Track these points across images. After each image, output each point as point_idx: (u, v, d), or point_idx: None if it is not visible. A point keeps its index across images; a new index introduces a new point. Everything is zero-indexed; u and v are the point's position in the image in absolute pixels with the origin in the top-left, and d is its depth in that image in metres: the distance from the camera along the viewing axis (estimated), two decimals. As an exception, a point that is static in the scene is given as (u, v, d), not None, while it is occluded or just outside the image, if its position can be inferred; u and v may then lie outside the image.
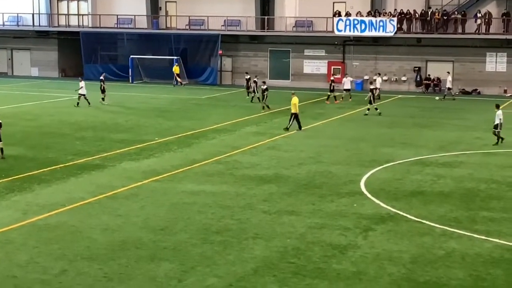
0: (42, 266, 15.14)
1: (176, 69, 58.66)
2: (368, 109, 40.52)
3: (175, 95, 50.64)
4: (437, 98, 49.82)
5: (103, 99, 44.28)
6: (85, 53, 63.01)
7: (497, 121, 30.61)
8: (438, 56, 54.52)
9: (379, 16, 54.47)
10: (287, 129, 33.83)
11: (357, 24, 54.46)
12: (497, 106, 31.07)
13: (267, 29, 59.10)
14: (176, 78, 58.17)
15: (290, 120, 33.99)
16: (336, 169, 25.34)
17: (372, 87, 42.25)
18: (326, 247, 16.55)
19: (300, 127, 33.98)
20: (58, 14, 66.62)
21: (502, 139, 30.63)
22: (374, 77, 50.06)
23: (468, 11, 53.70)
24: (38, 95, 49.47)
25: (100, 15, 64.10)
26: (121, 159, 26.87)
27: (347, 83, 47.71)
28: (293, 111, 33.94)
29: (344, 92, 47.79)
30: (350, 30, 54.78)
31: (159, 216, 19.02)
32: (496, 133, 30.68)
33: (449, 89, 49.67)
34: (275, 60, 59.82)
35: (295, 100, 33.94)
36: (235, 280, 14.38)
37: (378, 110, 40.38)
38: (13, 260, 15.45)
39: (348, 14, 55.31)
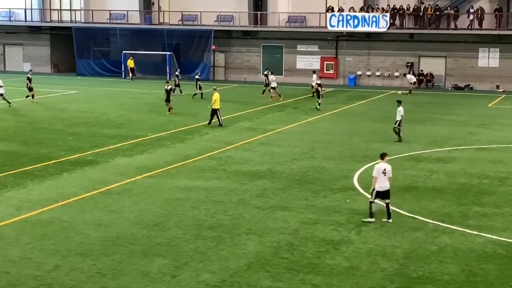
0: (35, 262, 15.13)
1: (130, 62, 59.52)
2: (319, 104, 40.31)
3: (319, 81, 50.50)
4: (399, 92, 50.29)
5: (27, 96, 42.85)
6: (78, 48, 62.81)
7: (398, 118, 30.21)
8: (431, 51, 54.60)
9: (372, 11, 54.51)
10: (208, 124, 33.72)
11: (350, 19, 54.47)
12: (399, 102, 30.84)
13: (260, 25, 59.07)
14: (129, 71, 59.53)
15: (217, 116, 33.77)
16: (329, 165, 25.38)
17: (318, 82, 42.10)
18: (320, 242, 16.59)
19: (210, 122, 33.82)
20: (51, 9, 66.41)
21: (400, 138, 30.14)
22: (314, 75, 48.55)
23: (460, 6, 53.79)
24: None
25: (92, 10, 63.93)
26: (114, 155, 26.85)
27: (272, 82, 45.06)
28: (214, 107, 33.65)
29: (271, 90, 45.13)
30: (343, 26, 54.82)
31: (152, 212, 19.02)
32: (397, 130, 30.22)
33: (413, 83, 50.70)
34: (268, 56, 59.78)
35: (216, 96, 33.67)
36: (228, 276, 14.41)
37: (319, 106, 40.23)
38: (6, 256, 15.44)
39: (341, 10, 55.33)
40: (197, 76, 46.47)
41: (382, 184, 18.20)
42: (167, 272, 14.57)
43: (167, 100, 38.27)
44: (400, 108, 30.30)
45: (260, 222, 18.20)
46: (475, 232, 17.47)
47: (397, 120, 30.34)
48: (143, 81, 57.89)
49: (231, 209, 19.43)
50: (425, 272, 14.74)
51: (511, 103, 44.98)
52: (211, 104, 33.93)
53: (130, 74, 59.51)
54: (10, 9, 65.95)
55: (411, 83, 50.71)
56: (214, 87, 36.31)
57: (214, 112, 33.78)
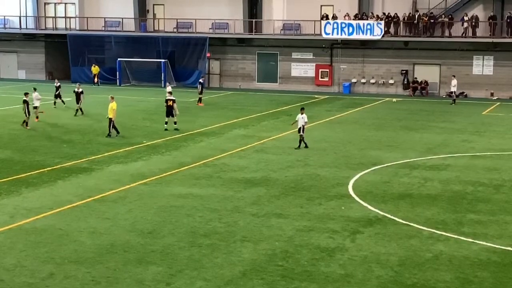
0: (29, 269, 15.07)
1: (94, 69, 60.49)
2: (175, 123, 35.15)
3: (162, 98, 50.40)
4: (394, 100, 50.50)
5: None
6: (72, 55, 62.83)
7: (300, 125, 29.94)
8: (425, 59, 54.77)
9: (367, 19, 54.64)
10: (109, 135, 32.54)
11: (344, 27, 54.63)
12: (302, 109, 30.60)
13: (254, 32, 59.16)
14: (94, 77, 60.45)
15: (109, 126, 32.73)
16: (324, 172, 25.38)
17: (172, 98, 35.63)
18: (314, 250, 16.58)
19: (118, 132, 32.75)
20: (45, 17, 66.39)
21: (306, 144, 29.97)
22: (168, 87, 43.53)
23: (455, 14, 53.98)
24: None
25: (87, 17, 63.95)
26: (108, 162, 26.81)
27: (36, 100, 37.69)
28: (110, 116, 32.70)
29: (34, 109, 37.34)
30: (337, 33, 54.96)
31: (147, 219, 18.98)
32: (300, 137, 30.01)
33: (453, 93, 49.60)
34: (263, 63, 59.88)
35: (114, 105, 32.74)
36: (223, 283, 14.37)
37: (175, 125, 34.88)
38: (0, 264, 15.37)
39: (335, 17, 55.40)
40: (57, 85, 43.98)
41: None
42: (162, 280, 14.53)
43: (27, 112, 35.05)
44: (304, 115, 30.05)
45: (255, 229, 18.18)
46: (470, 240, 17.48)
47: (299, 127, 29.96)
48: (138, 89, 57.88)
49: (226, 216, 19.40)
50: (420, 279, 14.73)
51: (505, 111, 45.11)
52: (109, 114, 32.79)
53: (95, 80, 60.22)
54: (4, 16, 65.92)
55: (452, 92, 49.54)
56: (111, 95, 34.56)
57: (111, 121, 32.70)
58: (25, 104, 34.99)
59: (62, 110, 42.71)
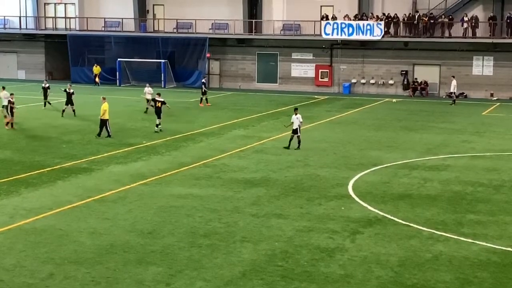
0: (29, 270, 15.06)
1: (96, 69, 60.70)
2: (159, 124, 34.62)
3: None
4: (394, 100, 50.68)
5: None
6: (72, 56, 62.82)
7: (296, 126, 29.80)
8: (425, 59, 54.77)
9: (367, 19, 54.64)
10: (109, 136, 32.24)
11: (344, 27, 54.64)
12: (295, 110, 30.47)
13: (254, 33, 59.17)
14: (95, 77, 60.58)
15: (106, 128, 32.38)
16: (324, 172, 25.38)
17: (159, 99, 35.09)
18: (314, 250, 16.57)
19: (99, 134, 32.36)
20: (45, 17, 66.40)
21: (291, 145, 29.86)
22: (148, 88, 42.84)
23: (454, 15, 54.00)
24: (24, 98, 49.13)
25: (87, 18, 63.94)
26: (108, 163, 26.80)
27: (4, 99, 35.99)
28: (103, 117, 32.27)
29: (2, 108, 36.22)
30: (337, 34, 54.96)
31: (146, 220, 18.98)
32: (295, 137, 29.83)
33: (453, 93, 49.71)
34: (262, 64, 59.88)
35: (105, 106, 32.31)
36: (222, 284, 14.37)
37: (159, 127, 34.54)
38: (0, 264, 15.40)
39: (335, 18, 55.38)
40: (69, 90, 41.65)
41: None
42: (162, 280, 14.53)
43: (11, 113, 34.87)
44: (299, 116, 29.90)
45: (254, 230, 18.17)
46: (470, 240, 17.48)
47: (294, 128, 29.82)
48: (138, 89, 57.76)
49: (226, 217, 19.40)
50: (420, 280, 14.73)
51: (505, 111, 45.14)
52: (100, 114, 32.42)
53: (96, 80, 60.29)
54: (4, 16, 65.92)
55: (452, 92, 49.71)
56: (103, 96, 34.38)
57: (103, 123, 32.31)
58: (9, 105, 34.93)
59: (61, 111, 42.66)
